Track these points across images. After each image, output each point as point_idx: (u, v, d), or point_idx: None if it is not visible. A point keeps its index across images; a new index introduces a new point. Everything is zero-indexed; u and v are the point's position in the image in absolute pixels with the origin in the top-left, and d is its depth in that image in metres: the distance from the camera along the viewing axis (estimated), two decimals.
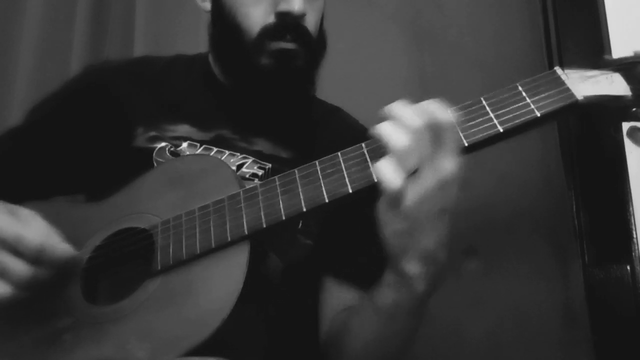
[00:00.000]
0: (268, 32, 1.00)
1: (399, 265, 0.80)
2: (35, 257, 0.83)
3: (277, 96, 1.07)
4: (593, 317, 1.27)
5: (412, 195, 0.73)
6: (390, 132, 0.74)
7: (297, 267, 0.98)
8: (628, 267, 1.25)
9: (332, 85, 1.27)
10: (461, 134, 0.77)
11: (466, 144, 0.76)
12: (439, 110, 0.73)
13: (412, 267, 0.79)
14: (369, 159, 0.79)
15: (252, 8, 1.01)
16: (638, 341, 1.20)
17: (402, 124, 0.73)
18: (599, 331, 1.25)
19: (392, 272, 0.83)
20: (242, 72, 1.05)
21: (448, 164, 0.73)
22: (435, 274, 0.80)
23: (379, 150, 0.79)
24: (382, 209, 0.77)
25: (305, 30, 1.02)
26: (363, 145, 0.81)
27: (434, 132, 0.73)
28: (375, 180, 0.77)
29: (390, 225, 0.77)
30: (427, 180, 0.73)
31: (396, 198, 0.74)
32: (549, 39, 1.43)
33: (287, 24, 1.00)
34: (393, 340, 0.92)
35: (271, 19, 1.00)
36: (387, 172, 0.73)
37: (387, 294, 0.86)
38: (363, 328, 0.94)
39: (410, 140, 0.72)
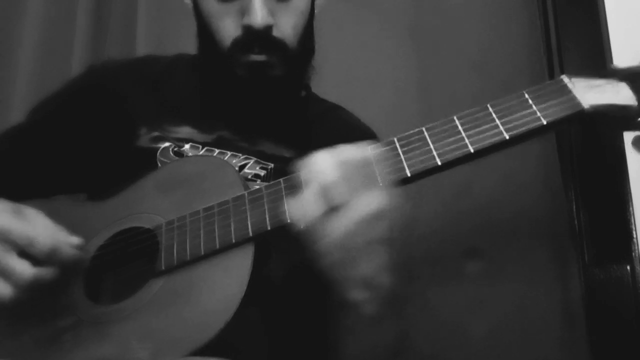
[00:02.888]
0: (237, 46, 0.99)
1: (344, 294, 0.81)
2: (47, 260, 0.83)
3: (258, 104, 1.05)
4: (593, 318, 1.27)
5: (334, 231, 0.75)
6: (320, 163, 0.76)
7: (301, 269, 0.98)
8: (628, 267, 1.25)
9: (332, 87, 1.27)
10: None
11: (472, 150, 0.77)
12: (353, 150, 0.76)
13: (356, 294, 0.80)
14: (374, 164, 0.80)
15: (222, 21, 1.00)
16: (638, 341, 1.20)
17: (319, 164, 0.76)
18: (598, 331, 1.25)
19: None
20: (221, 81, 1.05)
21: (367, 200, 0.74)
22: (381, 297, 0.81)
23: (385, 154, 0.80)
24: (307, 244, 0.78)
25: (274, 40, 0.99)
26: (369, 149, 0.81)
27: (348, 169, 0.75)
28: (380, 185, 0.78)
29: (321, 258, 0.78)
30: (348, 216, 0.74)
31: (316, 231, 0.75)
32: (549, 40, 1.43)
33: (253, 37, 0.98)
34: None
35: (239, 32, 0.99)
36: (293, 212, 0.76)
37: (340, 316, 0.87)
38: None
39: (335, 171, 0.75)
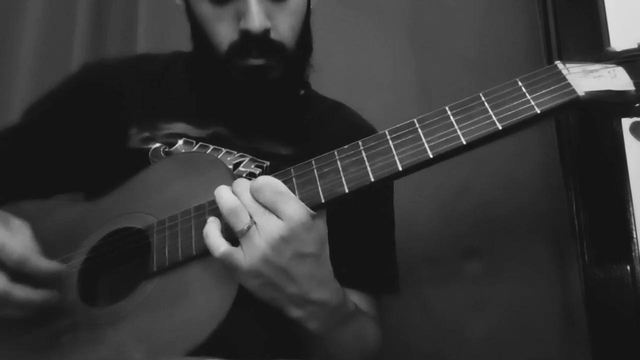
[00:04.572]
0: (235, 50, 0.97)
1: (284, 312, 0.82)
2: (16, 268, 0.83)
3: (256, 105, 1.05)
4: (593, 318, 1.26)
5: (252, 253, 0.76)
6: (220, 194, 0.79)
7: None
8: (628, 267, 1.24)
9: (331, 86, 1.27)
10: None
11: (464, 142, 0.75)
12: (259, 179, 0.78)
13: (292, 312, 0.82)
14: (366, 159, 0.79)
15: (218, 26, 0.99)
16: (638, 341, 1.20)
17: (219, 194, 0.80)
18: (598, 331, 1.25)
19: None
20: (217, 84, 1.04)
21: (273, 223, 0.76)
22: (320, 313, 0.83)
23: (377, 148, 0.79)
24: (229, 272, 0.79)
25: (272, 43, 0.98)
26: (360, 143, 0.80)
27: (255, 196, 0.78)
28: (372, 180, 0.78)
29: (246, 283, 0.79)
30: (260, 240, 0.76)
31: (230, 262, 0.77)
32: (549, 40, 1.43)
33: (250, 41, 0.96)
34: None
35: (236, 36, 0.97)
36: (210, 239, 0.78)
37: (297, 330, 0.87)
38: None
39: (237, 199, 0.78)
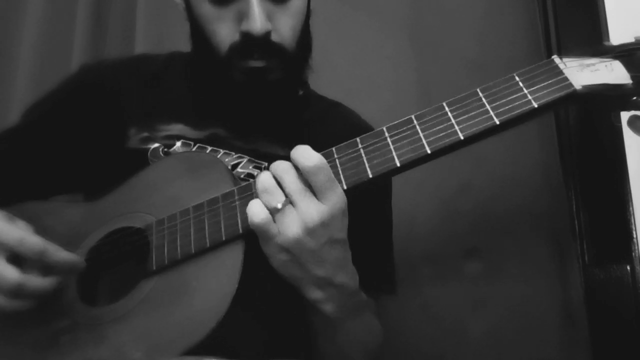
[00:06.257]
0: (235, 51, 0.97)
1: (301, 292, 0.84)
2: (37, 260, 0.82)
3: (255, 106, 1.05)
4: (593, 318, 1.26)
5: (286, 231, 0.78)
6: (259, 176, 0.80)
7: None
8: (628, 267, 1.24)
9: (331, 86, 1.27)
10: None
11: (462, 137, 0.76)
12: (305, 156, 0.78)
13: (311, 293, 0.83)
14: (364, 156, 0.79)
15: (218, 26, 0.98)
16: (638, 341, 1.20)
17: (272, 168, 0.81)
18: (598, 332, 1.25)
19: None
20: (217, 85, 1.04)
21: (314, 207, 0.77)
22: (339, 296, 0.84)
23: (375, 145, 0.79)
24: (260, 242, 0.81)
25: (273, 45, 0.97)
26: (358, 140, 0.81)
27: (301, 174, 0.79)
28: (370, 177, 0.78)
29: (273, 257, 0.80)
30: (296, 220, 0.77)
31: (263, 231, 0.78)
32: (549, 40, 1.43)
33: (252, 43, 0.96)
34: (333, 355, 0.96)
35: (237, 37, 0.96)
36: (251, 207, 0.79)
37: (309, 314, 0.89)
38: None
39: (272, 179, 0.79)
